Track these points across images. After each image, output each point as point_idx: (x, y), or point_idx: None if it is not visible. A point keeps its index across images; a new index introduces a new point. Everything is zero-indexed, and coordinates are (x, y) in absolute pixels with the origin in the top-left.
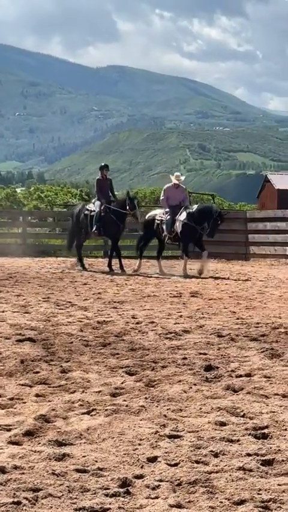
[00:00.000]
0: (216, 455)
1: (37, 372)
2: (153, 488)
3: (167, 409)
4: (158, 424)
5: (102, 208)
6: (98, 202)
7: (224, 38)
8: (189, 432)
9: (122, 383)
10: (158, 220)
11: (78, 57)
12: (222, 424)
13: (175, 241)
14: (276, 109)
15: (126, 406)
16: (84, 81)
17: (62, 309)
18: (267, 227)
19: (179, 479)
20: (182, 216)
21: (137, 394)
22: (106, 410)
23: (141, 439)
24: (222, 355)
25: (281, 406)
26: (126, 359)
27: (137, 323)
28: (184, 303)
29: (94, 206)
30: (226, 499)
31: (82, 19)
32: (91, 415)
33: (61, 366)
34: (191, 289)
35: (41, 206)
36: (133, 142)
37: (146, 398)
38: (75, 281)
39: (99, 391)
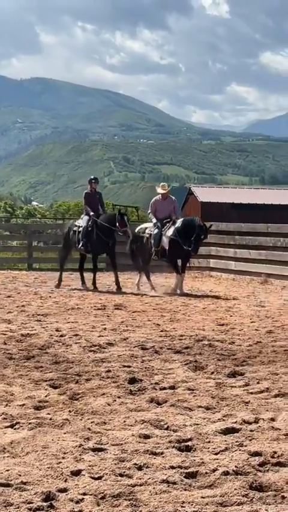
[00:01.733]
0: (140, 468)
1: None
2: (77, 502)
3: (91, 422)
4: (82, 437)
5: (89, 223)
6: (86, 217)
7: (147, 50)
8: (113, 445)
9: (46, 396)
10: (147, 234)
11: (1, 68)
12: (146, 436)
13: (163, 257)
14: (200, 122)
15: (50, 419)
16: (7, 93)
17: None
18: None
19: (102, 493)
20: (170, 231)
21: (61, 407)
22: (30, 423)
23: (65, 453)
24: (146, 368)
25: (204, 419)
26: (50, 372)
27: (61, 336)
28: (108, 316)
29: (82, 221)
30: None
31: (4, 30)
32: (14, 429)
33: None
34: (115, 302)
35: None
36: (57, 155)
37: (70, 411)
38: None
39: (23, 404)
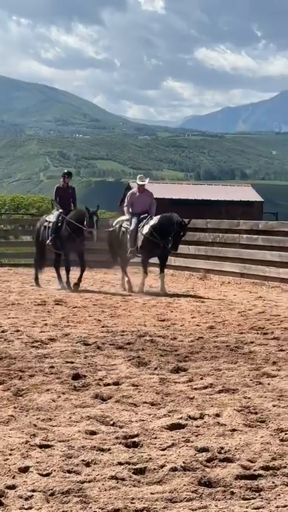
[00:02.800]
0: (88, 464)
1: None
2: (26, 499)
3: (37, 419)
4: (28, 434)
5: (59, 219)
6: (56, 213)
7: (82, 45)
8: (60, 441)
9: None
10: (123, 228)
11: None
12: (93, 433)
13: (138, 254)
14: (135, 117)
15: None
16: None
17: None
18: None
19: (51, 489)
20: (145, 228)
21: (6, 403)
22: None
23: (11, 449)
24: (89, 364)
25: (150, 415)
26: None
27: (2, 331)
28: (49, 311)
29: (52, 217)
30: (100, 508)
31: None
32: None
33: None
34: (55, 298)
35: None
36: None
37: (14, 407)
38: None
39: None
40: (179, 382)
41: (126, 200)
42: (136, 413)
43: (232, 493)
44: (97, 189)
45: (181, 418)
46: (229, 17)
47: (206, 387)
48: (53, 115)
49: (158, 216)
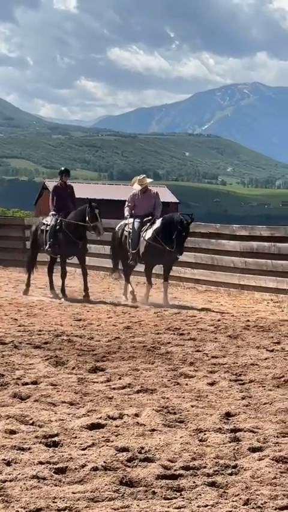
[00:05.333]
0: (8, 463)
1: None
2: None
3: None
4: None
5: (58, 221)
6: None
7: None
8: None
9: None
10: (126, 231)
11: None
12: (12, 432)
13: (141, 261)
14: (49, 116)
15: None
16: None
17: None
18: None
19: None
20: (148, 233)
21: None
22: None
23: None
24: (6, 363)
25: (69, 414)
26: None
27: None
28: None
29: (50, 219)
30: (22, 507)
31: None
32: None
33: None
34: None
35: None
36: None
37: None
38: None
39: None
40: (98, 382)
41: (127, 202)
42: (55, 413)
43: (153, 492)
44: (9, 188)
45: (100, 417)
46: (142, 18)
47: (124, 387)
48: None
49: (161, 219)
